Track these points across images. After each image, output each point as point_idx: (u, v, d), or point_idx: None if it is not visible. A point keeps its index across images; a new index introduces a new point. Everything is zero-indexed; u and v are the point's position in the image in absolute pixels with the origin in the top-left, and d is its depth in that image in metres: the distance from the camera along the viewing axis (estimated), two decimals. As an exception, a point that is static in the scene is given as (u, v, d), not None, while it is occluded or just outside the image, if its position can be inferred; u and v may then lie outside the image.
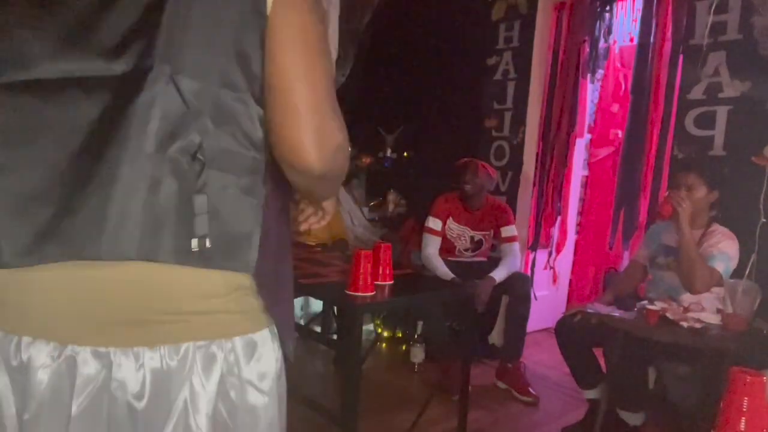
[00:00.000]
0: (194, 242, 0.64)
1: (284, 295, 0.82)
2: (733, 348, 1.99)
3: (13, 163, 0.62)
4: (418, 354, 3.15)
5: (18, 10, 0.64)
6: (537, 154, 3.69)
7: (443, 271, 3.07)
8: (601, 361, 2.50)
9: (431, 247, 3.20)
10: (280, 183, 0.76)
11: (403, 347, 3.43)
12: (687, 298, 2.32)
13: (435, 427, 2.46)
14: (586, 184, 4.21)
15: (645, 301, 2.32)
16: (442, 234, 3.25)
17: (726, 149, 2.73)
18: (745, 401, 1.42)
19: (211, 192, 0.65)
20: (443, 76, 4.15)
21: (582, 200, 4.18)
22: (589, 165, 4.19)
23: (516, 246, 3.21)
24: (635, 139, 3.15)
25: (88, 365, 0.65)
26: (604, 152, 4.11)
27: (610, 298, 2.58)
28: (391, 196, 4.42)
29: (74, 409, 0.64)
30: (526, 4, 3.66)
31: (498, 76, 3.84)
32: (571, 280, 4.14)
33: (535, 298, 3.25)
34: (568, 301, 4.06)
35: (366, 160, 4.47)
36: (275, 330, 0.77)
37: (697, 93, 2.84)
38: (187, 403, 0.66)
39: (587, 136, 3.98)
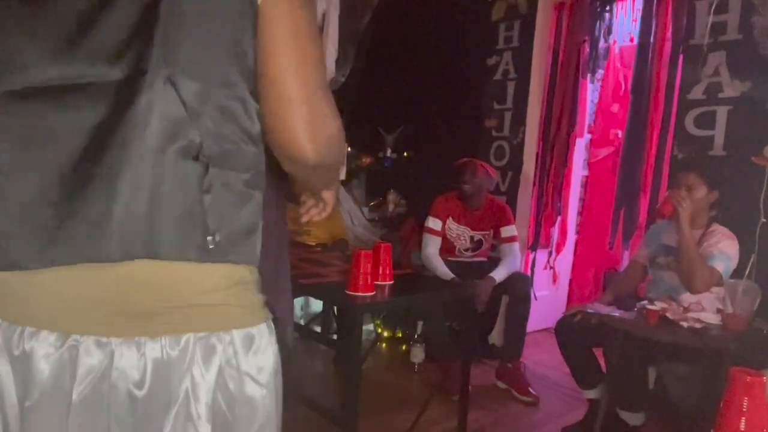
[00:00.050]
0: (208, 239, 0.66)
1: (284, 285, 0.85)
2: (733, 348, 1.99)
3: (18, 168, 0.63)
4: (418, 354, 3.15)
5: (13, 17, 0.64)
6: (537, 154, 3.69)
7: (443, 271, 3.07)
8: (601, 361, 2.50)
9: (431, 247, 3.20)
10: (275, 175, 0.78)
11: (403, 347, 3.43)
12: (687, 298, 2.32)
13: (435, 427, 2.46)
14: (586, 184, 4.21)
15: (645, 301, 2.32)
16: (442, 234, 3.25)
17: (726, 149, 2.73)
18: (745, 401, 1.42)
19: (215, 189, 0.66)
20: (443, 76, 4.15)
21: (582, 200, 4.18)
22: (589, 165, 4.19)
23: (516, 246, 3.21)
24: (635, 139, 3.15)
25: (90, 354, 0.66)
26: (604, 152, 4.11)
27: (610, 298, 2.58)
28: (391, 196, 4.42)
29: (75, 396, 0.65)
30: (526, 4, 3.66)
31: (498, 76, 3.84)
32: (571, 280, 4.14)
33: (535, 298, 3.25)
34: (568, 301, 4.06)
35: (366, 160, 4.47)
36: (272, 326, 0.78)
37: (697, 93, 2.84)
38: (188, 392, 0.68)
39: (587, 136, 3.98)
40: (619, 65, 3.89)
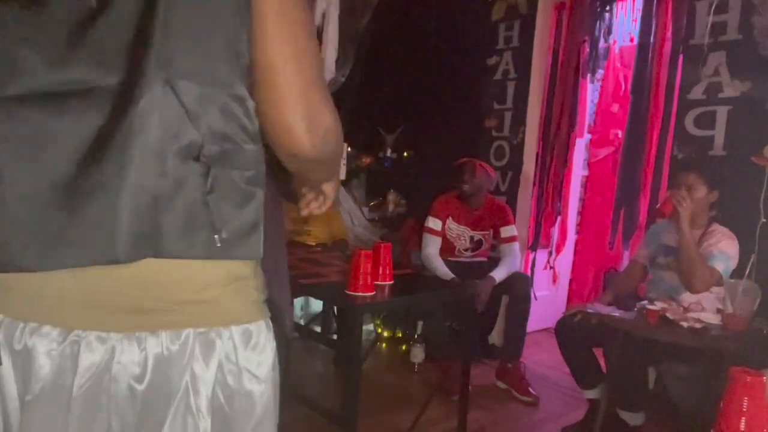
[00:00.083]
0: (215, 237, 0.67)
1: (283, 278, 0.87)
2: (733, 348, 1.99)
3: (21, 174, 0.63)
4: (418, 354, 3.15)
5: (10, 22, 0.64)
6: (537, 154, 3.69)
7: (443, 271, 3.07)
8: (601, 361, 2.50)
9: (431, 247, 3.20)
10: (271, 173, 0.78)
11: (403, 347, 3.43)
12: (687, 298, 2.32)
13: (435, 427, 2.46)
14: (586, 184, 4.21)
15: (645, 301, 2.32)
16: (442, 234, 3.25)
17: (726, 149, 2.73)
18: (745, 401, 1.42)
19: (218, 189, 0.67)
20: (443, 76, 4.14)
21: (582, 200, 4.18)
22: (589, 165, 4.19)
23: (516, 246, 3.21)
24: (635, 139, 3.15)
25: (91, 349, 0.67)
26: (604, 152, 4.11)
27: (610, 298, 2.58)
28: (391, 196, 4.42)
29: (75, 390, 0.66)
30: (526, 4, 3.66)
31: (498, 76, 3.84)
32: (571, 280, 4.14)
33: (535, 298, 3.25)
34: (568, 301, 4.06)
35: (366, 160, 4.47)
36: (270, 322, 0.79)
37: (697, 93, 2.84)
38: (188, 385, 0.69)
39: (587, 136, 3.98)
40: (619, 65, 3.89)
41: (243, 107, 0.69)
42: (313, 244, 3.25)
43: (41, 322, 0.67)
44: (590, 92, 3.79)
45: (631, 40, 3.41)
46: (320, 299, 3.01)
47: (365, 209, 4.36)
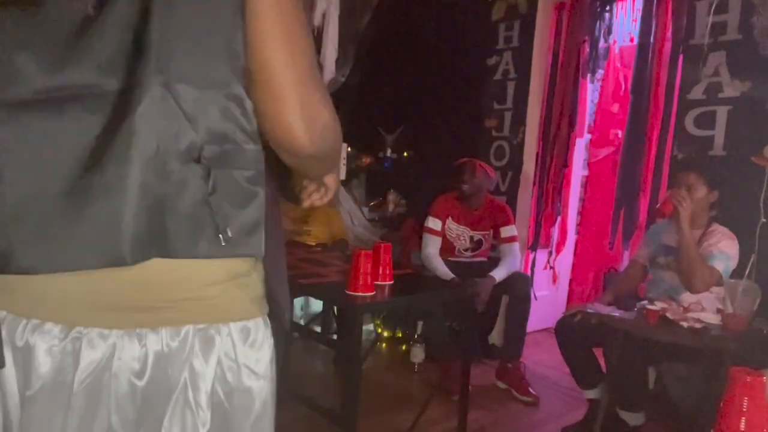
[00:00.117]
0: (220, 237, 0.68)
1: (282, 274, 0.88)
2: (733, 348, 1.99)
3: (23, 175, 0.64)
4: (418, 354, 3.15)
5: (8, 28, 0.65)
6: (537, 154, 3.69)
7: (443, 271, 3.07)
8: (601, 361, 2.50)
9: (431, 247, 3.20)
10: (270, 171, 0.79)
11: (403, 347, 3.43)
12: (687, 298, 2.32)
13: (435, 427, 2.46)
14: (586, 184, 4.21)
15: (645, 301, 2.32)
16: (442, 234, 3.25)
17: (726, 149, 2.73)
18: (745, 401, 1.42)
19: (220, 189, 0.68)
20: (443, 76, 4.14)
21: (582, 200, 4.18)
22: (589, 165, 4.19)
23: (516, 246, 3.21)
24: (635, 139, 3.15)
25: (93, 346, 0.67)
26: (604, 152, 4.11)
27: (610, 298, 2.58)
28: (391, 196, 4.42)
29: (76, 386, 0.66)
30: (526, 4, 3.66)
31: (498, 76, 3.84)
32: (571, 280, 4.14)
33: (535, 298, 3.25)
34: (568, 301, 4.06)
35: (366, 160, 4.47)
36: (267, 319, 0.80)
37: (697, 93, 2.84)
38: (186, 381, 0.70)
39: (587, 136, 3.98)
40: (619, 65, 3.89)
41: (241, 107, 0.69)
42: (313, 244, 3.24)
43: (43, 319, 0.68)
44: (590, 92, 3.79)
45: (631, 40, 3.41)
46: (320, 299, 3.01)
47: (365, 209, 4.36)
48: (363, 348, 2.20)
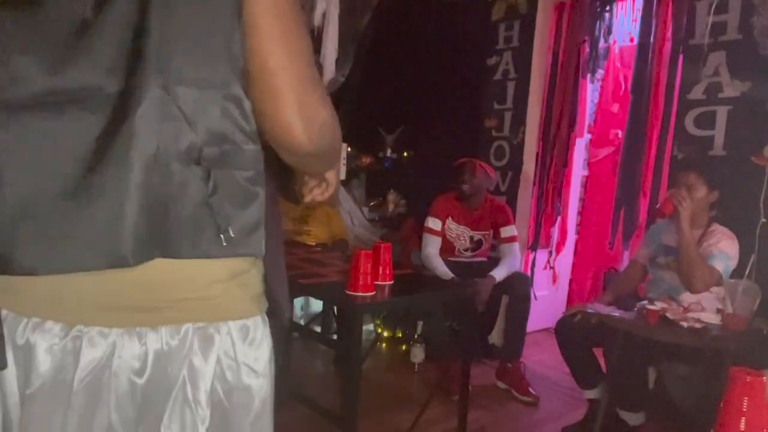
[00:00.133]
0: (221, 237, 0.69)
1: (281, 273, 0.88)
2: (733, 348, 1.99)
3: (23, 175, 0.64)
4: (418, 354, 3.15)
5: (7, 30, 0.65)
6: (537, 154, 3.69)
7: (443, 270, 3.07)
8: (601, 361, 2.50)
9: (431, 247, 3.20)
10: (269, 171, 0.79)
11: (403, 347, 3.43)
12: (687, 298, 2.32)
13: (435, 427, 2.46)
14: (586, 184, 4.21)
15: (645, 301, 2.32)
16: (442, 234, 3.25)
17: (726, 149, 2.73)
18: (745, 401, 1.42)
19: (221, 190, 0.68)
20: (443, 76, 4.15)
21: (582, 200, 4.18)
22: (589, 165, 4.19)
23: (516, 246, 3.21)
24: (635, 139, 3.15)
25: (93, 345, 0.68)
26: (604, 152, 4.11)
27: (610, 298, 2.58)
28: (391, 196, 4.42)
29: (76, 385, 0.67)
30: (526, 4, 3.66)
31: (498, 76, 3.84)
32: (571, 280, 4.14)
33: (535, 298, 3.25)
34: (568, 301, 4.06)
35: (366, 160, 4.47)
36: (266, 317, 0.80)
37: (697, 93, 2.84)
38: (186, 379, 0.70)
39: (587, 136, 3.98)
40: (619, 65, 3.89)
41: (240, 108, 0.70)
42: (313, 244, 3.24)
43: (44, 318, 0.68)
44: (590, 92, 3.79)
45: (631, 40, 3.41)
46: (320, 299, 3.01)
47: (365, 209, 4.36)
48: (363, 348, 2.20)
